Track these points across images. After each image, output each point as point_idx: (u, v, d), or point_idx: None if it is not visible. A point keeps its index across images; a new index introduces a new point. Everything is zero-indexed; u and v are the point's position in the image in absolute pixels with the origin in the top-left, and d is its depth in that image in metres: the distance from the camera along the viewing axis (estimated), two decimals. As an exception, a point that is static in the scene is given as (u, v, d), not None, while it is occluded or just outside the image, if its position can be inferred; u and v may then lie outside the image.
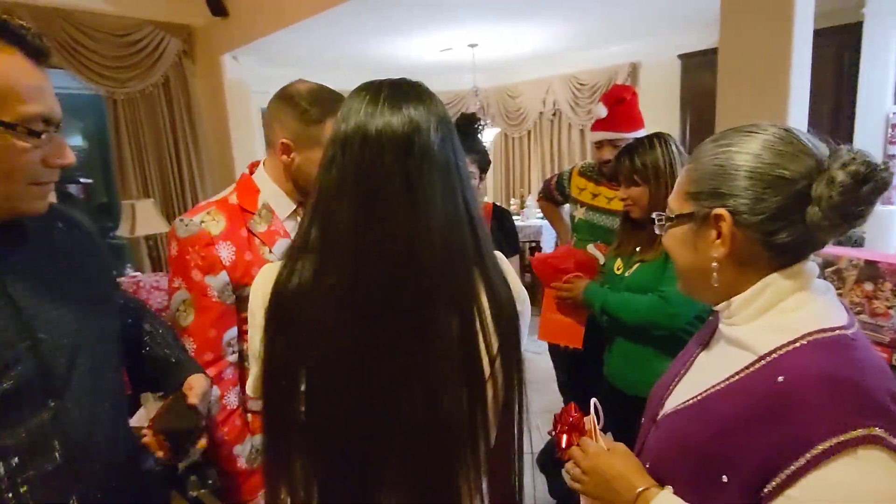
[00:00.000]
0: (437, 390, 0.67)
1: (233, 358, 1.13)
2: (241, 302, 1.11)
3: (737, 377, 0.68)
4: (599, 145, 1.91)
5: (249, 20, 4.25)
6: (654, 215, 0.79)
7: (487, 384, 0.71)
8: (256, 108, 5.36)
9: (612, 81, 5.44)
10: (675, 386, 0.82)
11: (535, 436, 2.50)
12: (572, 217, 1.99)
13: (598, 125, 1.93)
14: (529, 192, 6.20)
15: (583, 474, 0.80)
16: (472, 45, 5.01)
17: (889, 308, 1.08)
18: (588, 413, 0.88)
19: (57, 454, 0.73)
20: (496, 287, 0.74)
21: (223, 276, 1.09)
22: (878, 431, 0.56)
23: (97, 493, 0.77)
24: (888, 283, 1.06)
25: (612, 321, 1.50)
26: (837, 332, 0.65)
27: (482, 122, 1.71)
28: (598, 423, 0.87)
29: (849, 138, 3.85)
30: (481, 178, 1.72)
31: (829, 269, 1.20)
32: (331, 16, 3.67)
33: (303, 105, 1.12)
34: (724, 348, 0.75)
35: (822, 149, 0.68)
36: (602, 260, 1.73)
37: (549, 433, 0.93)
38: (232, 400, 1.12)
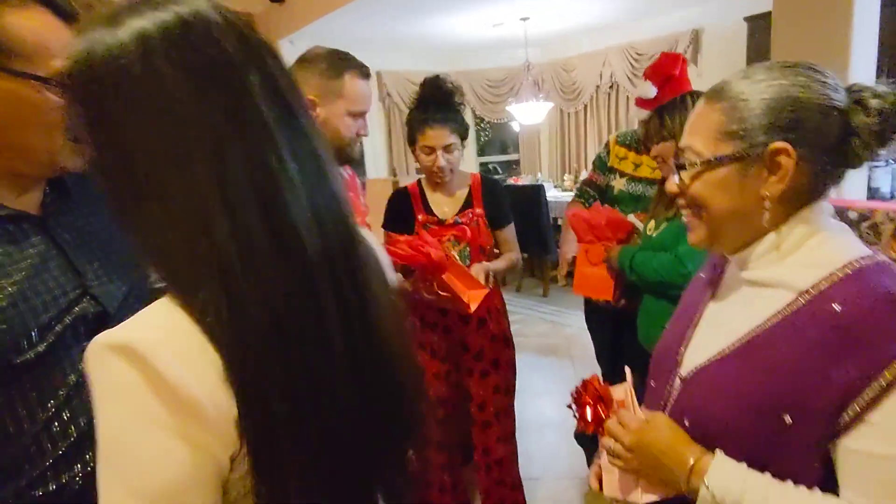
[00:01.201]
0: (397, 355, 0.64)
1: None
2: None
3: (780, 316, 0.67)
4: (645, 123, 1.82)
5: (304, 4, 4.38)
6: (676, 163, 0.74)
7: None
8: (313, 91, 5.53)
9: (672, 50, 5.20)
10: (690, 341, 0.80)
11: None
12: (611, 188, 1.94)
13: (646, 104, 1.82)
14: (585, 168, 6.08)
15: (627, 451, 0.74)
16: (524, 19, 4.93)
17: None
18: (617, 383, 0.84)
19: None
20: (369, 245, 0.66)
21: None
22: None
23: None
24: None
25: (639, 278, 1.52)
26: (875, 259, 0.66)
27: (451, 84, 1.63)
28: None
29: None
30: (462, 147, 1.68)
31: (866, 224, 1.14)
32: (381, -5, 3.74)
33: (322, 64, 1.28)
34: (748, 292, 0.73)
35: None
36: (642, 228, 1.70)
37: (569, 406, 0.86)
38: None
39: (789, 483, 0.64)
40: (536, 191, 4.65)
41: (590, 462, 2.23)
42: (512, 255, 1.78)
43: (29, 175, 0.79)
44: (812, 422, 0.62)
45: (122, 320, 0.80)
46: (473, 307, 1.47)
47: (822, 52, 1.81)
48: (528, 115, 5.55)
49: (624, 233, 1.67)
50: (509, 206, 1.82)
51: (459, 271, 1.49)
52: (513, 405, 1.89)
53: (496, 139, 7.42)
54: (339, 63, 1.29)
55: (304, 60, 1.31)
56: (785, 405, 0.63)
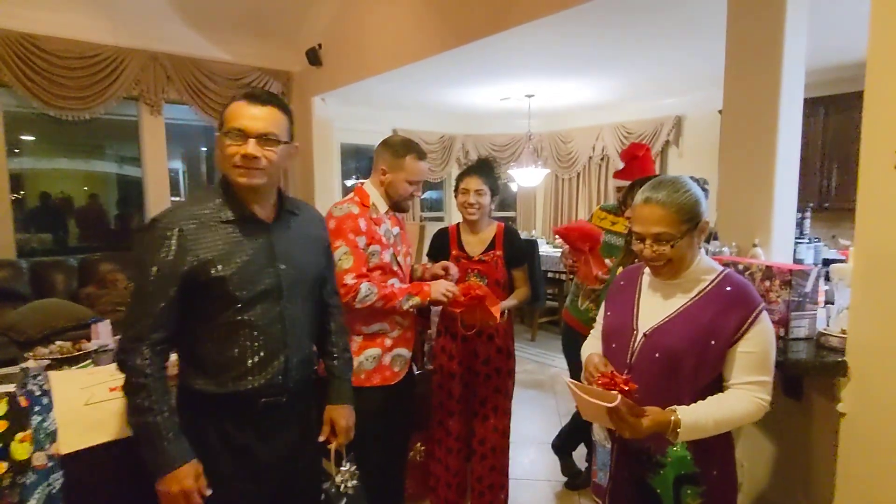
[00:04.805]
0: None
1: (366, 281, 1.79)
2: (369, 255, 1.84)
3: (701, 294, 1.24)
4: (619, 189, 2.45)
5: (339, 69, 5.00)
6: (659, 246, 1.23)
7: None
8: (337, 142, 6.13)
9: (658, 132, 5.90)
10: (638, 318, 1.31)
11: (552, 424, 3.02)
12: None
13: (618, 174, 2.52)
14: (576, 230, 6.67)
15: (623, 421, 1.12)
16: (529, 96, 5.60)
17: (777, 297, 1.54)
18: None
19: (280, 329, 1.29)
20: None
21: (363, 238, 1.79)
22: (763, 305, 1.21)
23: (293, 360, 1.32)
24: (777, 280, 1.54)
25: None
26: (727, 269, 1.29)
27: (493, 158, 2.34)
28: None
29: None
30: (493, 199, 2.22)
31: (747, 272, 1.66)
32: (408, 68, 4.33)
33: (394, 147, 1.92)
34: (673, 288, 1.28)
35: None
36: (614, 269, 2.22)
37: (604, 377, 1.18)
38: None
39: (709, 399, 1.18)
40: (530, 245, 5.16)
41: (563, 469, 2.69)
42: (521, 291, 2.25)
43: (246, 192, 1.26)
44: (722, 341, 1.19)
45: (290, 294, 1.31)
46: (498, 317, 1.95)
47: (755, 145, 2.36)
48: (527, 178, 6.15)
49: (597, 239, 2.13)
50: (523, 252, 2.30)
51: (490, 298, 1.98)
52: (509, 407, 2.28)
53: (496, 197, 8.05)
54: (405, 148, 1.91)
55: (385, 143, 1.95)
56: (710, 335, 1.20)
